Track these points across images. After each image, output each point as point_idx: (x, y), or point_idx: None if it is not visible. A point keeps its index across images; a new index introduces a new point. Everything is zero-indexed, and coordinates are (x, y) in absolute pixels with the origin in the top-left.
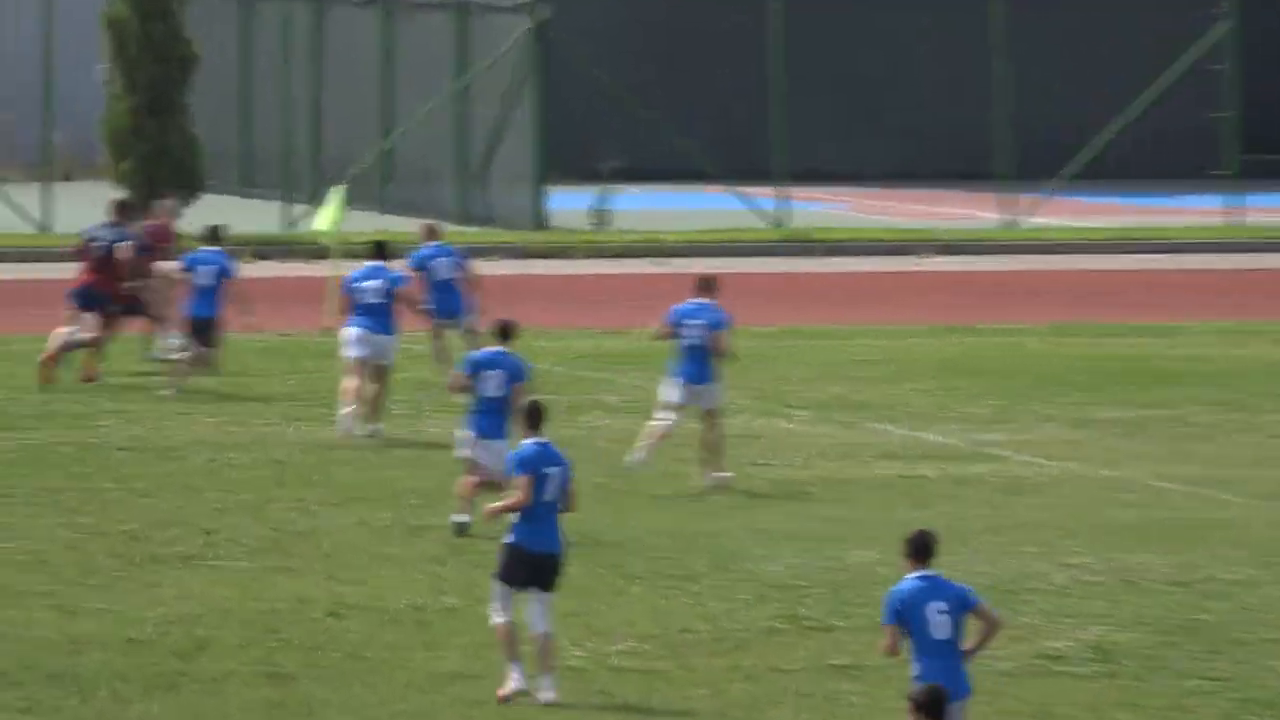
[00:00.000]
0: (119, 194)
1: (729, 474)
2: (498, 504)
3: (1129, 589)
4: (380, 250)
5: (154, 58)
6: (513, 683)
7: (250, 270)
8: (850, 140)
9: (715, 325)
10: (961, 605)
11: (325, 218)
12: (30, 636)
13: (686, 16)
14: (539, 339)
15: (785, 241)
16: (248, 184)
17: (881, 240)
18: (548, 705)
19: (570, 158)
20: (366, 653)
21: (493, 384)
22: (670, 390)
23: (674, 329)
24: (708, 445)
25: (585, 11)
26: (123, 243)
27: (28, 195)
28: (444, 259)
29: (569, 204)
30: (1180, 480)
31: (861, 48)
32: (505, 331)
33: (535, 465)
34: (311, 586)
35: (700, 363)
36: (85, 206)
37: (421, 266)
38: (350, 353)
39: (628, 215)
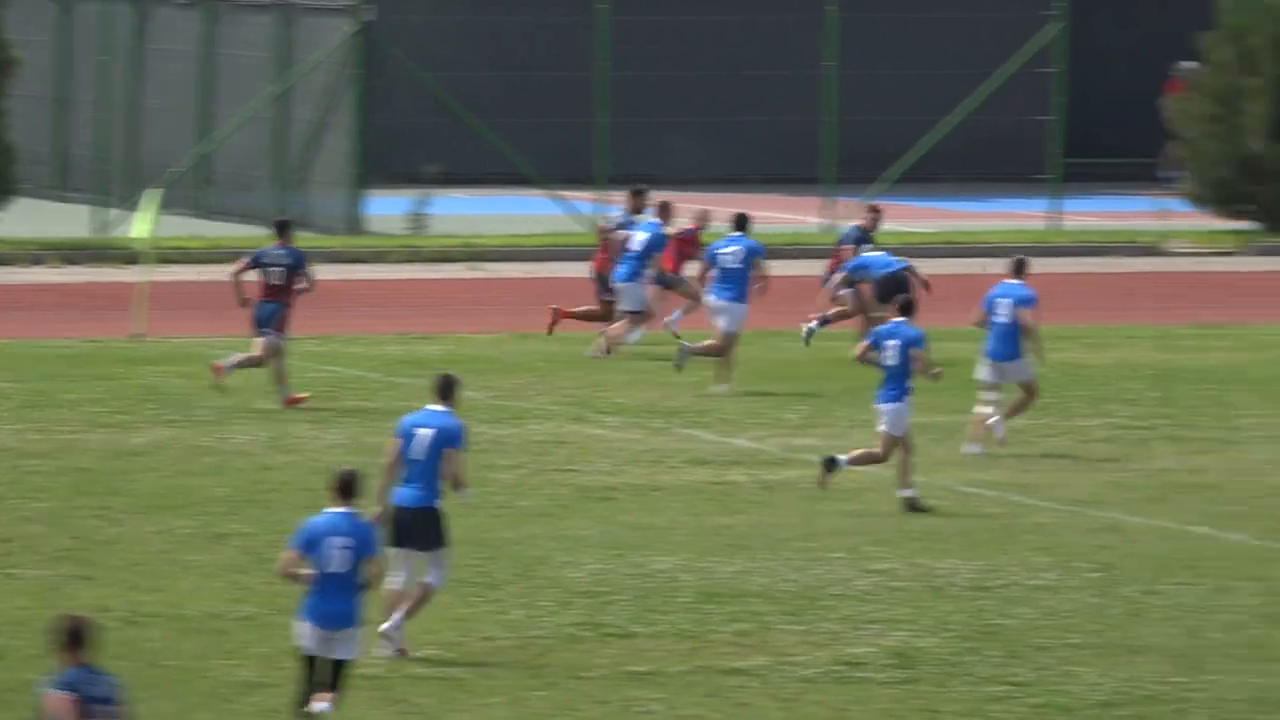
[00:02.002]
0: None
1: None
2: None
3: (933, 595)
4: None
5: None
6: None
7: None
8: (675, 144)
9: (1023, 303)
10: (363, 548)
11: (140, 223)
12: None
13: (512, 19)
14: (352, 345)
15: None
16: (63, 188)
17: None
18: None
19: (392, 162)
20: (165, 661)
21: (889, 354)
22: (982, 370)
23: (986, 312)
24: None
25: (410, 15)
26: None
27: None
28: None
29: (388, 209)
30: (988, 485)
31: (686, 50)
32: (906, 308)
33: (405, 427)
34: (110, 595)
35: (1009, 341)
36: None
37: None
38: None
39: (446, 220)
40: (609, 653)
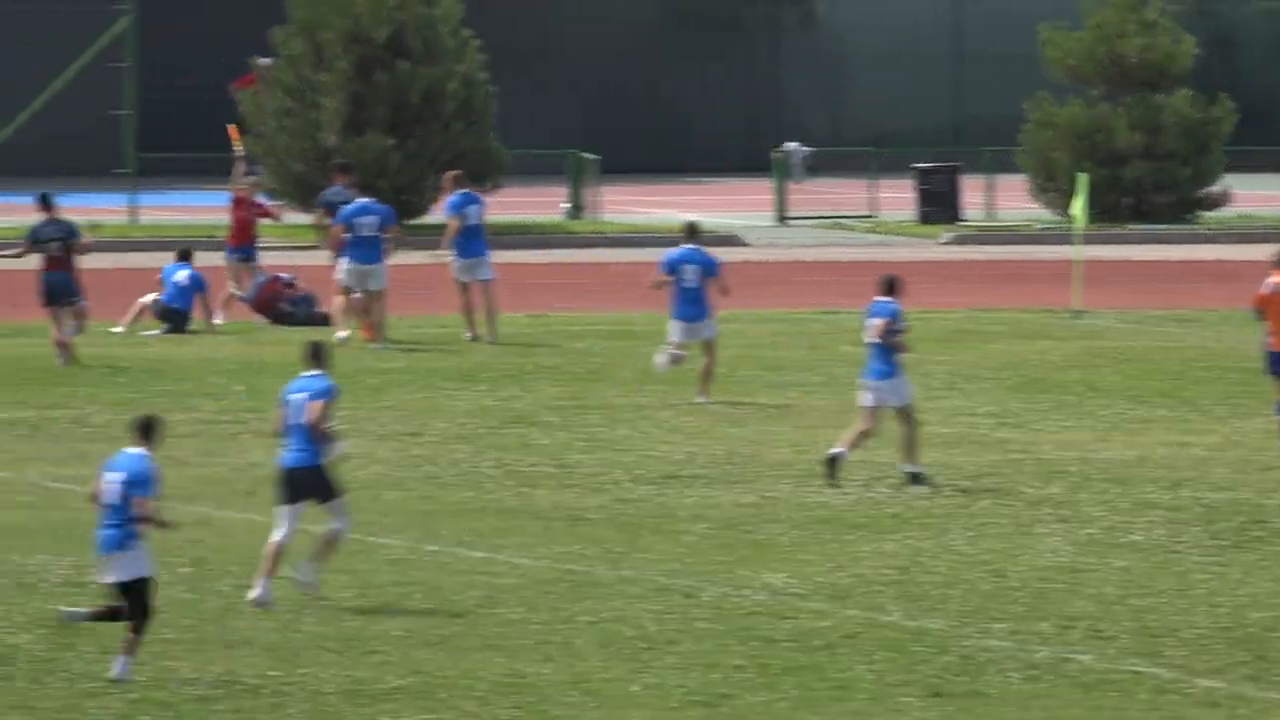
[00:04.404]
0: None
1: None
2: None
3: (25, 591)
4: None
5: None
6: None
7: None
8: None
9: (709, 268)
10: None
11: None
12: None
13: None
14: None
15: None
16: None
17: None
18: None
19: None
20: None
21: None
22: (673, 330)
23: (671, 274)
24: (706, 369)
25: None
26: None
27: None
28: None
29: None
30: (77, 481)
31: None
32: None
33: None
34: None
35: (697, 304)
36: None
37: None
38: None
39: None
40: None
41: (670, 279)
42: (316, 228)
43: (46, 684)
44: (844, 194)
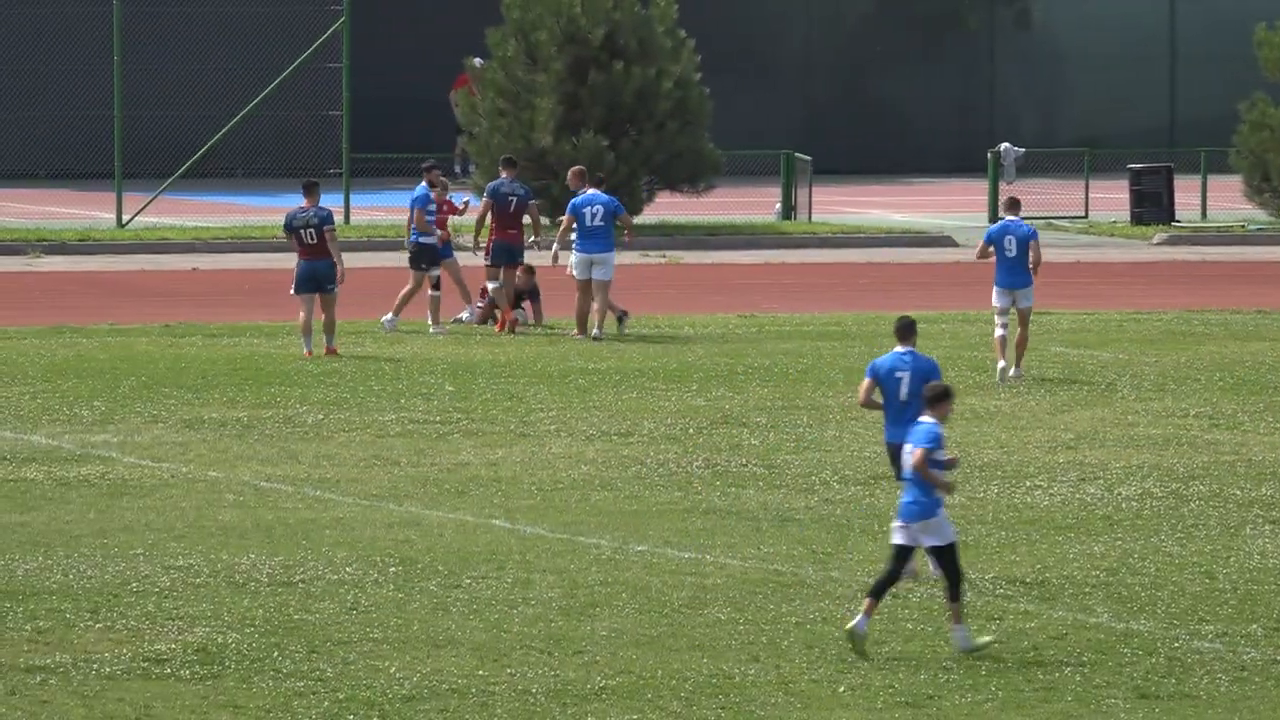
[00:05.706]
0: None
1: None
2: None
3: (235, 590)
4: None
5: None
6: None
7: None
8: None
9: (1026, 238)
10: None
11: None
12: None
13: None
14: None
15: None
16: None
17: None
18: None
19: None
20: None
21: None
22: (996, 296)
23: (993, 245)
24: (1019, 342)
25: None
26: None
27: None
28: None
29: None
30: (287, 480)
31: None
32: None
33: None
34: None
35: (1018, 271)
36: None
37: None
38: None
39: None
40: None
41: (991, 250)
42: (480, 221)
43: (254, 683)
44: (1056, 194)
